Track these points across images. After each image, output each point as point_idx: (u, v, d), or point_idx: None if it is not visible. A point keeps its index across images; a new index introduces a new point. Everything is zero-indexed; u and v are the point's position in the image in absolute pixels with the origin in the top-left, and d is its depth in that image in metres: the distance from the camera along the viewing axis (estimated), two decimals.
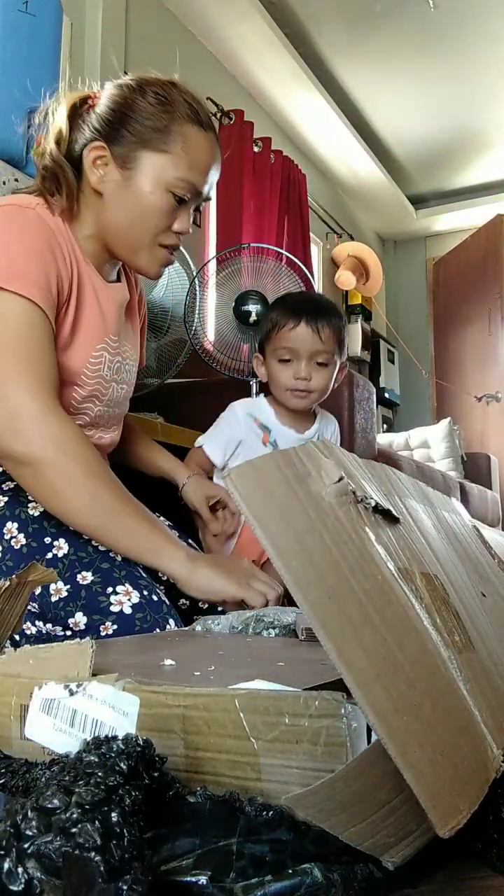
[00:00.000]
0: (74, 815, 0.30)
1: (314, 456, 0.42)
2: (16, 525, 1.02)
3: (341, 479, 0.41)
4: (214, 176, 1.14)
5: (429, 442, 4.10)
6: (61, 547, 1.00)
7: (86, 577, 0.97)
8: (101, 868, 0.28)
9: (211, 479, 1.59)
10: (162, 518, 1.30)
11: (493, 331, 4.64)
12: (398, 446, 4.16)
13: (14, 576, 0.60)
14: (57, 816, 0.30)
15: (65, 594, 0.96)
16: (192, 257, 2.11)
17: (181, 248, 2.08)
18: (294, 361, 1.49)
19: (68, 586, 0.96)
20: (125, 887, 0.28)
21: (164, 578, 1.12)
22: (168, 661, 0.57)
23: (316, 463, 0.41)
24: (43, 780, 0.40)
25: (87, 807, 0.30)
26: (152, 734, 0.41)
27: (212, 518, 1.43)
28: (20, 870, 0.28)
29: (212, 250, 3.31)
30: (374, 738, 0.33)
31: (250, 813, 0.35)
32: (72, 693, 0.44)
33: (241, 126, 3.38)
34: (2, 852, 0.29)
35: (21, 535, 1.01)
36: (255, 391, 2.01)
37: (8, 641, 0.61)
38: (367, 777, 0.33)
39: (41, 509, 1.03)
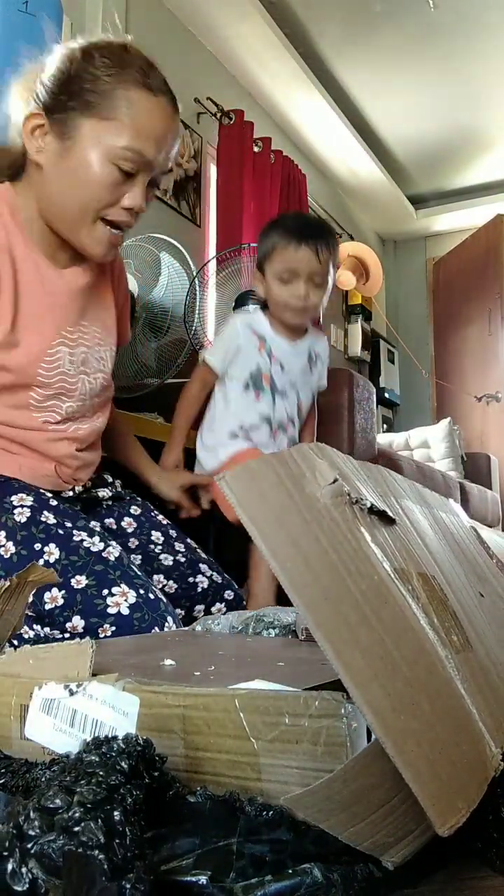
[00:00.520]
0: (77, 815, 0.30)
1: (308, 457, 0.42)
2: (3, 533, 0.99)
3: (336, 480, 0.41)
4: (170, 145, 1.02)
5: (429, 442, 4.10)
6: (52, 552, 0.98)
7: (80, 582, 0.95)
8: (105, 866, 0.28)
9: (212, 390, 1.71)
10: (160, 516, 1.31)
11: (493, 331, 4.64)
12: (398, 446, 4.16)
13: (14, 576, 0.60)
14: (59, 816, 0.30)
15: (61, 601, 0.94)
16: (192, 257, 2.11)
17: (181, 248, 2.09)
18: (294, 281, 1.58)
19: (63, 592, 0.94)
20: (128, 886, 0.28)
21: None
22: (168, 661, 0.57)
23: (310, 464, 0.41)
24: (44, 780, 0.40)
25: (89, 806, 0.30)
26: (152, 734, 0.41)
27: (192, 506, 1.48)
28: (24, 870, 0.28)
29: (212, 250, 3.31)
30: (373, 738, 0.33)
31: (250, 813, 0.35)
32: (72, 693, 0.44)
33: (241, 126, 3.38)
34: (5, 853, 0.29)
35: (10, 544, 0.98)
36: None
37: (6, 643, 0.61)
38: (365, 777, 0.33)
39: (27, 514, 1.01)
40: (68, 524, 1.03)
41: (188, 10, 3.15)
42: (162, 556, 1.22)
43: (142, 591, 0.97)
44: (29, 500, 1.04)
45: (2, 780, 0.41)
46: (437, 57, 3.67)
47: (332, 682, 0.45)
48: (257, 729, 0.39)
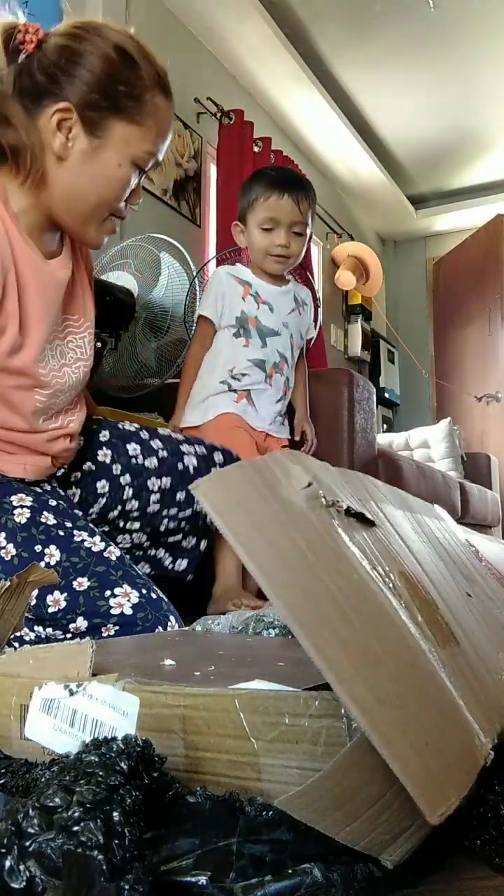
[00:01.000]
0: (76, 814, 0.30)
1: (282, 463, 0.42)
2: (3, 535, 0.98)
3: (310, 484, 0.41)
4: (168, 142, 1.08)
5: (429, 442, 4.10)
6: (53, 554, 0.97)
7: (82, 584, 0.95)
8: (104, 867, 0.28)
9: (213, 337, 1.77)
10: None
11: (493, 331, 4.63)
12: (398, 446, 4.16)
13: (14, 576, 0.60)
14: (59, 815, 0.30)
15: (63, 604, 0.94)
16: (192, 257, 2.11)
17: (181, 248, 2.09)
18: (275, 230, 1.68)
19: (65, 595, 0.94)
20: (127, 887, 0.28)
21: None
22: (168, 661, 0.57)
23: (285, 470, 0.42)
24: (43, 779, 0.40)
25: (88, 805, 0.30)
26: (152, 734, 0.41)
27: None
28: (22, 867, 0.28)
29: (212, 250, 3.31)
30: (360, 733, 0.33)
31: (250, 813, 0.35)
32: (72, 693, 0.44)
33: (241, 126, 3.38)
34: (3, 850, 0.29)
35: (10, 546, 0.97)
36: None
37: (6, 643, 0.61)
38: (356, 773, 0.33)
39: (27, 515, 1.00)
40: (68, 524, 1.03)
41: (188, 10, 3.15)
42: (146, 461, 1.27)
43: (144, 591, 0.97)
44: (28, 501, 1.03)
45: (1, 781, 0.41)
46: (437, 57, 3.67)
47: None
48: (257, 729, 0.39)
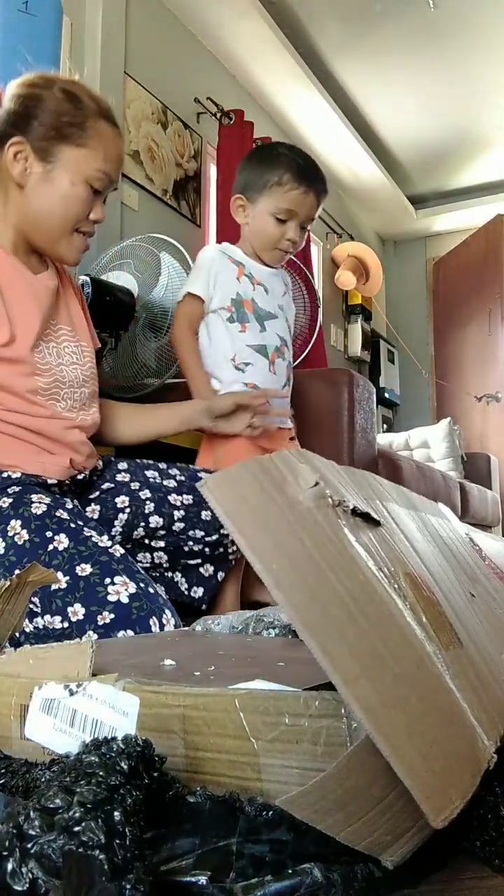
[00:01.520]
0: (77, 814, 0.30)
1: (290, 462, 0.42)
2: (19, 522, 1.04)
3: (317, 483, 0.41)
4: (121, 166, 1.24)
5: (429, 442, 4.10)
6: (62, 541, 1.02)
7: (85, 569, 0.99)
8: (105, 867, 0.28)
9: (201, 318, 1.66)
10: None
11: (493, 331, 4.64)
12: (398, 446, 4.16)
13: (14, 576, 0.60)
14: (60, 816, 0.30)
15: (64, 585, 0.98)
16: (192, 257, 2.11)
17: (181, 248, 2.09)
18: (289, 222, 1.57)
19: (67, 577, 0.98)
20: (128, 887, 0.28)
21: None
22: (168, 661, 0.57)
23: (292, 469, 0.42)
24: (43, 780, 0.40)
25: (89, 806, 0.30)
26: (152, 734, 0.41)
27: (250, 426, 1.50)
28: (24, 870, 0.28)
29: None
30: (364, 734, 0.33)
31: (250, 813, 0.35)
32: (72, 693, 0.44)
33: (241, 126, 3.38)
34: (5, 852, 0.29)
35: (24, 532, 1.03)
36: None
37: (6, 642, 0.61)
38: (359, 774, 0.33)
39: (44, 508, 1.07)
40: (80, 522, 1.09)
41: (188, 9, 3.16)
42: (164, 482, 1.31)
43: (142, 585, 1.00)
44: (46, 500, 1.10)
45: (1, 781, 0.41)
46: (437, 57, 3.68)
47: (332, 682, 0.45)
48: (257, 729, 0.39)
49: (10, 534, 1.03)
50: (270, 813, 0.35)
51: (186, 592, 1.35)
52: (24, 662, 0.51)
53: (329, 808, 0.32)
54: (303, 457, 0.44)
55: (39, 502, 1.08)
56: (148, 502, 1.27)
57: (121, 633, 0.94)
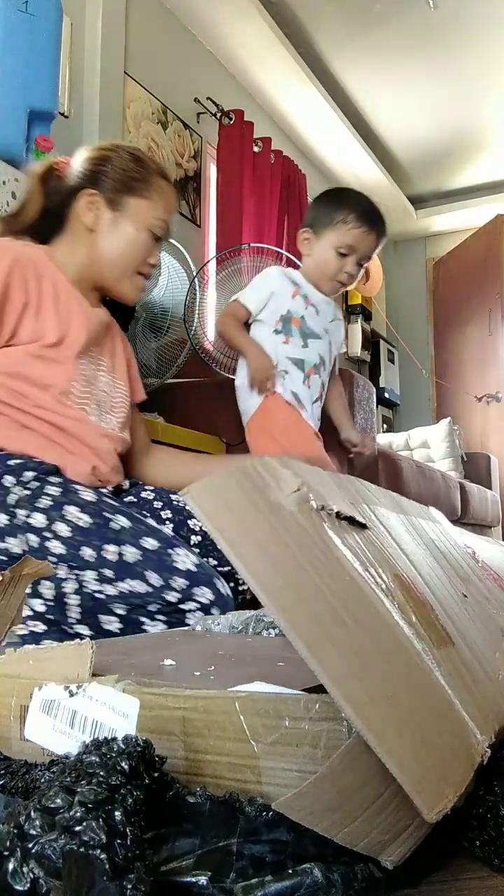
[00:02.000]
0: (78, 814, 0.30)
1: (272, 468, 0.42)
2: (76, 508, 1.10)
3: (300, 488, 0.41)
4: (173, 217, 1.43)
5: (429, 442, 4.10)
6: (121, 521, 1.08)
7: (151, 543, 1.06)
8: (106, 866, 0.28)
9: (248, 325, 1.82)
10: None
11: (493, 331, 4.64)
12: (398, 446, 4.16)
13: (8, 570, 0.60)
14: (61, 816, 0.30)
15: (140, 557, 1.04)
16: (192, 257, 2.11)
17: (181, 248, 2.09)
18: (348, 257, 1.74)
19: (138, 550, 1.04)
20: (129, 886, 0.28)
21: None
22: (168, 662, 0.57)
23: (274, 474, 0.42)
24: (43, 781, 0.40)
25: (90, 806, 0.30)
26: (152, 736, 0.41)
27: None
28: (25, 869, 0.28)
29: (211, 250, 3.31)
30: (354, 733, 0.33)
31: (250, 813, 0.35)
32: (72, 694, 0.44)
33: (241, 126, 3.38)
34: (6, 852, 0.29)
35: (84, 515, 1.08)
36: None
37: (5, 638, 0.61)
38: (352, 773, 0.33)
39: (91, 495, 1.13)
40: (125, 507, 1.16)
41: (188, 9, 3.15)
42: (187, 505, 1.36)
43: (197, 554, 1.08)
44: (91, 490, 1.16)
45: (1, 782, 0.42)
46: (436, 57, 3.67)
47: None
48: (257, 731, 0.39)
49: (70, 518, 1.07)
50: (270, 813, 0.35)
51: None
52: (24, 663, 0.51)
53: (325, 809, 0.33)
54: (285, 463, 0.44)
55: (87, 490, 1.14)
56: (167, 522, 1.31)
57: (197, 591, 1.01)
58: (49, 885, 0.28)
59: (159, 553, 1.04)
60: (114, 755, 0.35)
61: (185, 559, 1.04)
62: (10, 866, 0.28)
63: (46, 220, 1.36)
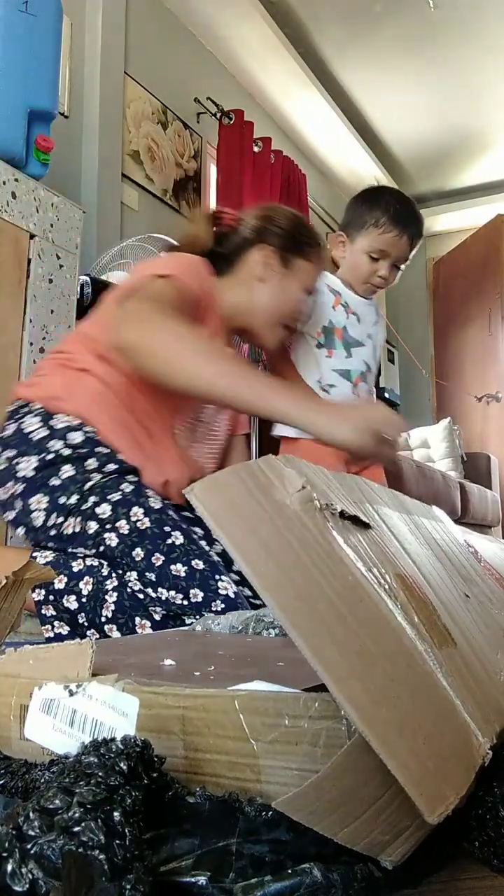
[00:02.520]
0: (77, 815, 0.30)
1: (276, 467, 0.42)
2: (141, 511, 1.14)
3: (303, 487, 0.41)
4: None
5: (429, 442, 4.10)
6: (178, 537, 1.11)
7: (199, 565, 1.09)
8: (105, 867, 0.28)
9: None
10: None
11: (493, 331, 4.64)
12: None
13: (11, 573, 0.60)
14: (59, 816, 0.30)
15: (184, 574, 1.08)
16: None
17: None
18: (381, 260, 1.71)
19: (186, 568, 1.08)
20: (128, 887, 0.28)
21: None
22: (168, 661, 0.57)
23: (278, 474, 0.42)
24: (43, 781, 0.40)
25: (88, 806, 0.30)
26: (152, 735, 0.41)
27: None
28: (24, 870, 0.28)
29: None
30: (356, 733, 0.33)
31: (250, 813, 0.35)
32: (71, 693, 0.44)
33: (241, 126, 3.38)
34: (5, 853, 0.29)
35: (146, 520, 1.12)
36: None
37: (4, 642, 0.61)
38: (353, 774, 0.33)
39: (159, 504, 1.17)
40: (185, 526, 1.19)
41: (188, 10, 3.16)
42: None
43: (237, 588, 1.11)
44: (159, 499, 1.19)
45: (1, 782, 0.41)
46: (436, 57, 3.68)
47: None
48: (257, 730, 0.39)
49: (133, 518, 1.11)
50: (270, 813, 0.35)
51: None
52: (24, 662, 0.51)
53: (325, 808, 0.32)
54: (289, 462, 0.44)
55: (155, 498, 1.18)
56: (216, 543, 1.33)
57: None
58: (48, 885, 0.28)
59: (205, 576, 1.07)
60: (112, 756, 0.35)
61: (227, 585, 1.08)
62: (9, 867, 0.28)
63: (212, 258, 1.46)
